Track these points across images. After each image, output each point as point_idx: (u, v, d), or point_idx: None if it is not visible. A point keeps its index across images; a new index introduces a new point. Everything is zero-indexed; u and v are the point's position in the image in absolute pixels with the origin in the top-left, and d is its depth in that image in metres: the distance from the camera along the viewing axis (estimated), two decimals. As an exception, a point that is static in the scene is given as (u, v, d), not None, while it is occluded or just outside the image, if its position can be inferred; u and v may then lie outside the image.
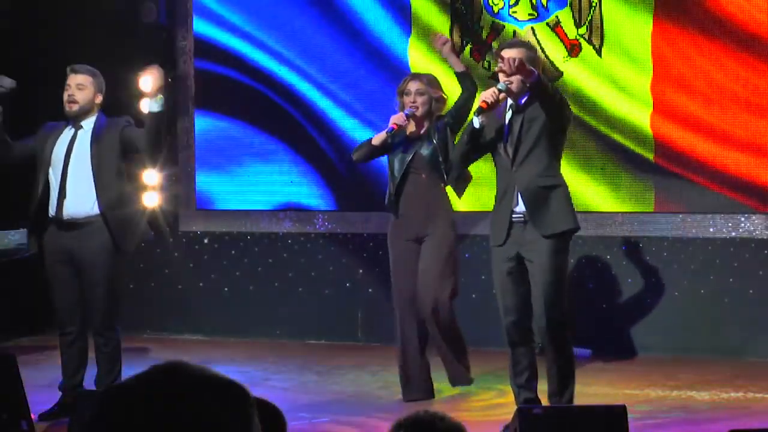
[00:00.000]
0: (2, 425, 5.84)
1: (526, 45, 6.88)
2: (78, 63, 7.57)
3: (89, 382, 7.36)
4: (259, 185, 10.32)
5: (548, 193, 6.55)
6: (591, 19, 9.33)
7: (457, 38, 9.70)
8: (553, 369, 6.59)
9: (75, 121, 7.29)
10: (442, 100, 7.77)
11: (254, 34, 10.32)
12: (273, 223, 10.35)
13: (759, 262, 9.04)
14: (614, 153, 9.29)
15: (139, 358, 8.74)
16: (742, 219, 9.07)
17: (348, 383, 8.35)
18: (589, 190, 9.29)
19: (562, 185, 6.64)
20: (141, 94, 7.41)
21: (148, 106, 7.26)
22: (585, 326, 9.02)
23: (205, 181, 10.51)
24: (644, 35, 9.18)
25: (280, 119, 10.24)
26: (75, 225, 7.22)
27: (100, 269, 7.20)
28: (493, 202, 6.82)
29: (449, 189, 7.73)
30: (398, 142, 7.71)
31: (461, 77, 7.74)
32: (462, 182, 7.62)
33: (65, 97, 7.30)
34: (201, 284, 10.47)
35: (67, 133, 7.30)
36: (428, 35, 9.75)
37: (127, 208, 7.39)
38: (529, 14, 9.47)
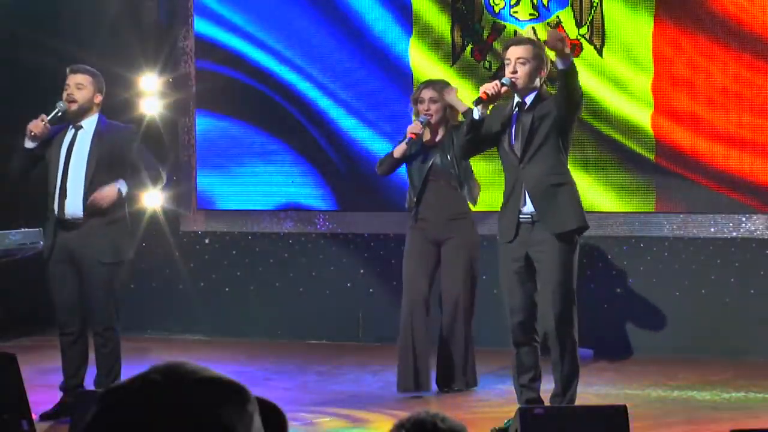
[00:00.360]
0: (3, 425, 5.84)
1: (533, 42, 6.87)
2: (79, 63, 7.59)
3: (90, 382, 7.36)
4: (260, 185, 10.32)
5: (557, 190, 6.53)
6: (592, 19, 9.33)
7: (458, 38, 9.70)
8: (558, 369, 6.58)
9: (74, 121, 7.30)
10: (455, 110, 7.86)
11: (255, 34, 10.32)
12: (274, 223, 10.35)
13: (760, 262, 9.04)
14: (615, 153, 9.28)
15: (139, 358, 8.74)
16: (743, 219, 9.07)
17: (349, 383, 8.35)
18: (590, 190, 9.28)
19: (570, 183, 6.63)
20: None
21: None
22: (586, 326, 8.98)
23: (206, 181, 10.51)
24: (645, 35, 9.18)
25: (280, 119, 10.24)
26: (75, 225, 7.22)
27: (100, 269, 7.20)
28: (495, 202, 6.82)
29: None
30: (416, 150, 7.83)
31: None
32: (473, 190, 7.79)
33: (64, 96, 7.31)
34: (202, 284, 10.47)
35: (68, 133, 7.31)
36: (429, 35, 9.76)
37: (118, 213, 7.34)
38: (530, 14, 9.47)
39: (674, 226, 9.24)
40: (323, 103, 10.14)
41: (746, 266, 9.06)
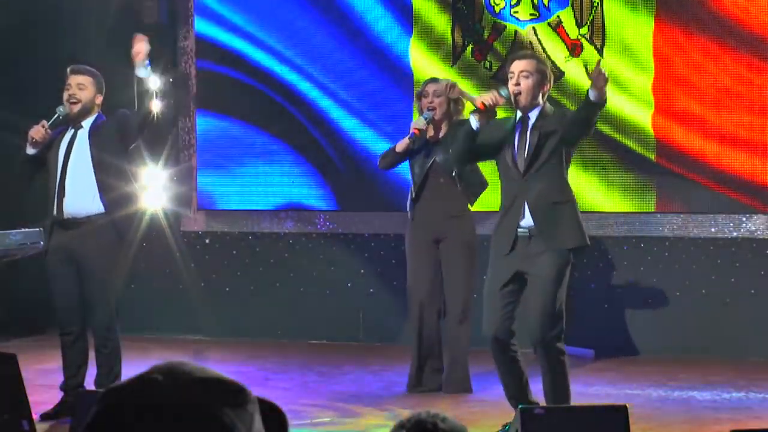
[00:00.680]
0: (3, 425, 5.84)
1: (536, 57, 6.85)
2: (79, 63, 7.59)
3: (90, 381, 7.36)
4: (261, 185, 10.32)
5: (558, 207, 6.48)
6: (592, 19, 9.33)
7: (458, 38, 9.70)
8: (547, 381, 6.55)
9: (75, 121, 7.31)
10: (460, 103, 7.85)
11: (255, 34, 10.32)
12: (274, 223, 10.35)
13: (760, 262, 9.04)
14: (615, 153, 9.29)
15: (139, 358, 8.73)
16: (744, 219, 9.08)
17: (349, 383, 8.35)
18: (590, 190, 9.29)
19: (572, 200, 6.56)
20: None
21: (138, 72, 7.31)
22: (587, 326, 9.02)
23: (207, 181, 10.51)
24: (646, 35, 9.18)
25: (281, 119, 10.24)
26: (75, 224, 7.23)
27: (100, 269, 7.21)
28: (492, 202, 6.81)
29: None
30: (418, 146, 7.83)
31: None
32: (474, 188, 7.78)
33: (65, 96, 7.31)
34: (202, 284, 10.47)
35: (68, 133, 7.32)
36: (429, 35, 9.76)
37: (132, 205, 7.43)
38: (531, 14, 9.47)
39: (675, 226, 9.24)
40: (323, 103, 10.14)
41: (747, 266, 9.06)
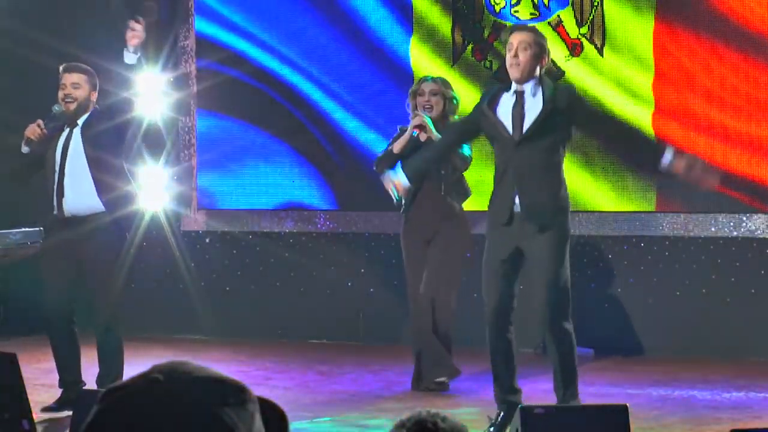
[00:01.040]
0: (4, 424, 5.84)
1: (535, 30, 6.88)
2: (79, 62, 7.58)
3: (89, 381, 7.35)
4: (261, 185, 10.32)
5: (545, 183, 6.52)
6: (593, 19, 9.33)
7: (458, 38, 9.70)
8: (556, 362, 6.58)
9: (71, 120, 7.30)
10: (456, 102, 7.84)
11: (256, 34, 10.32)
12: (274, 222, 10.35)
13: (761, 261, 9.04)
14: (616, 152, 9.28)
15: (140, 358, 8.73)
16: (744, 218, 9.07)
17: (349, 383, 8.35)
18: (590, 190, 9.28)
19: (562, 179, 6.62)
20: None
21: (126, 59, 7.31)
22: (587, 326, 9.01)
23: (207, 181, 10.51)
24: (646, 34, 9.18)
25: (281, 119, 10.24)
26: (77, 221, 7.23)
27: (102, 268, 7.21)
28: (487, 202, 6.83)
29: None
30: (411, 147, 7.73)
31: None
32: (458, 197, 7.72)
33: (60, 95, 7.30)
34: (202, 283, 10.47)
35: (64, 132, 7.31)
36: (430, 35, 9.76)
37: (131, 203, 7.42)
38: (531, 13, 9.47)
39: (675, 226, 9.24)
40: (324, 103, 10.13)
41: (747, 266, 9.06)
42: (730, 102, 9.00)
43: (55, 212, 7.26)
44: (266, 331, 10.19)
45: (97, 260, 7.21)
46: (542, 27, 9.37)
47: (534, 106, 6.53)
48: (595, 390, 7.79)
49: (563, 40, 9.39)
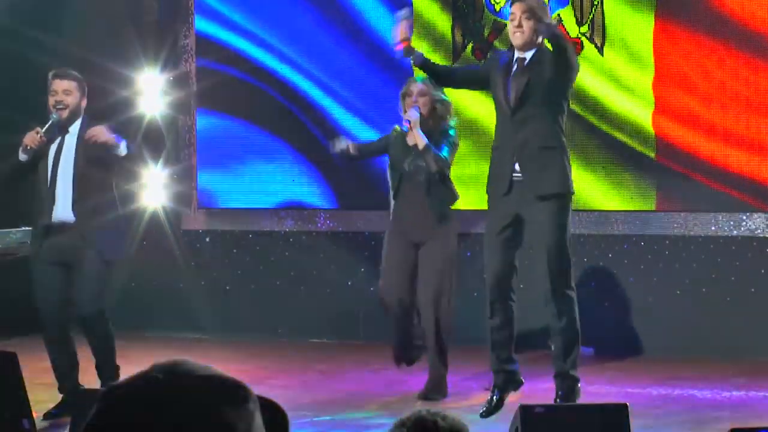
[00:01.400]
0: (4, 424, 5.84)
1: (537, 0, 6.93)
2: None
3: (88, 380, 7.34)
4: (261, 184, 10.32)
5: (544, 153, 6.57)
6: (593, 18, 9.33)
7: (459, 37, 9.70)
8: (557, 330, 6.64)
9: (64, 127, 7.28)
10: (446, 103, 7.73)
11: (256, 33, 10.31)
12: (274, 221, 10.35)
13: (761, 260, 9.04)
14: (616, 151, 9.28)
15: (140, 357, 8.73)
16: (744, 217, 9.07)
17: (350, 382, 8.35)
18: (590, 189, 9.28)
19: (561, 147, 6.67)
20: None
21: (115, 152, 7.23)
22: (587, 325, 8.99)
23: (207, 180, 10.51)
24: (646, 33, 9.18)
25: (281, 118, 10.23)
26: (67, 227, 7.21)
27: (92, 263, 7.19)
28: (484, 201, 6.86)
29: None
30: (399, 147, 7.68)
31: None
32: (445, 202, 7.59)
33: (51, 102, 7.25)
34: (202, 283, 10.47)
35: (57, 140, 7.29)
36: (430, 34, 9.75)
37: (106, 215, 7.32)
38: (531, 12, 9.46)
39: (675, 225, 9.23)
40: (324, 101, 10.13)
41: (747, 265, 9.06)
42: (730, 101, 9.00)
43: (45, 218, 7.25)
44: (266, 330, 10.18)
45: (85, 260, 7.18)
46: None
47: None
48: (595, 389, 7.79)
49: (563, 39, 9.39)
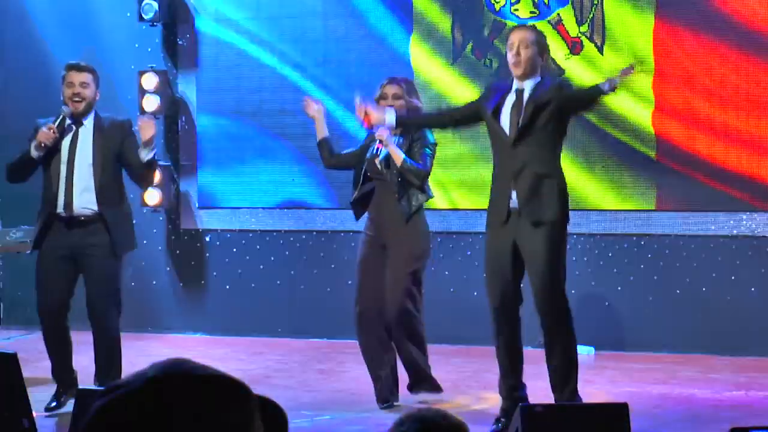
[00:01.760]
0: (4, 423, 5.84)
1: (536, 29, 6.90)
2: (80, 60, 7.58)
3: (85, 380, 7.33)
4: (261, 183, 10.32)
5: (543, 180, 6.52)
6: (593, 17, 9.33)
7: (458, 36, 9.70)
8: (551, 362, 6.58)
9: (77, 119, 7.28)
10: (418, 107, 7.47)
11: (256, 32, 10.31)
12: (275, 220, 10.35)
13: (761, 259, 9.04)
14: (616, 151, 9.28)
15: (140, 356, 8.74)
16: (744, 217, 9.07)
17: (350, 381, 8.35)
18: (590, 188, 9.28)
19: (559, 175, 6.61)
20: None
21: (143, 154, 7.21)
22: (587, 324, 9.00)
23: (207, 179, 10.51)
24: (646, 33, 9.18)
25: (281, 118, 10.23)
26: (81, 223, 7.21)
27: (103, 268, 7.20)
28: (482, 201, 6.83)
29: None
30: (370, 146, 7.48)
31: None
32: (418, 198, 7.35)
33: (68, 94, 7.25)
34: (202, 282, 10.48)
35: (70, 131, 7.28)
36: (430, 33, 9.75)
37: (125, 206, 7.40)
38: (531, 12, 9.47)
39: (675, 224, 9.24)
40: (323, 100, 10.10)
41: (747, 264, 9.06)
42: (730, 100, 9.00)
43: (61, 211, 7.23)
44: (266, 329, 10.18)
45: (97, 260, 7.19)
46: (542, 25, 9.37)
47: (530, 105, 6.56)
48: (595, 388, 7.79)
49: (563, 38, 9.39)
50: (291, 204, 10.28)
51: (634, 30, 9.21)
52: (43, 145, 7.15)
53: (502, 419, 6.65)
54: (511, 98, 6.59)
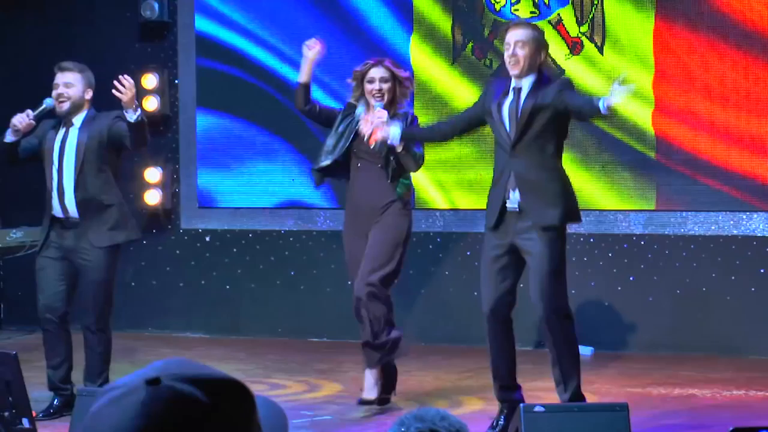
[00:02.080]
0: (4, 423, 5.84)
1: (532, 26, 6.83)
2: (79, 60, 7.55)
3: (80, 379, 7.32)
4: (261, 183, 10.32)
5: (545, 183, 6.49)
6: (593, 17, 9.33)
7: (459, 36, 9.70)
8: (555, 363, 6.55)
9: (67, 118, 7.24)
10: (407, 83, 7.23)
11: (256, 32, 10.31)
12: (275, 220, 10.35)
13: (761, 259, 9.04)
14: (616, 151, 9.28)
15: (140, 356, 8.74)
16: (744, 217, 9.07)
17: (349, 381, 8.34)
18: (590, 188, 9.28)
19: (561, 177, 6.57)
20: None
21: (128, 116, 7.08)
22: (587, 324, 9.01)
23: (207, 179, 10.51)
24: (646, 33, 9.18)
25: (281, 118, 10.23)
26: (74, 223, 7.20)
27: (96, 269, 7.17)
28: (482, 201, 6.81)
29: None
30: (352, 128, 7.33)
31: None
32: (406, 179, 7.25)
33: (54, 95, 7.19)
34: (202, 282, 10.47)
35: (60, 131, 7.26)
36: (430, 33, 9.75)
37: (104, 201, 7.22)
38: (531, 12, 9.47)
39: (675, 224, 9.23)
40: (323, 100, 10.10)
41: (747, 264, 9.06)
42: (730, 100, 9.00)
43: (55, 212, 7.22)
44: (266, 329, 10.19)
45: (90, 261, 7.17)
46: (542, 25, 9.36)
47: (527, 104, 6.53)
48: (595, 388, 7.79)
49: (563, 38, 9.39)
50: (291, 204, 10.28)
51: (635, 30, 9.21)
52: (16, 128, 7.09)
53: (499, 423, 6.64)
54: (509, 97, 6.57)
